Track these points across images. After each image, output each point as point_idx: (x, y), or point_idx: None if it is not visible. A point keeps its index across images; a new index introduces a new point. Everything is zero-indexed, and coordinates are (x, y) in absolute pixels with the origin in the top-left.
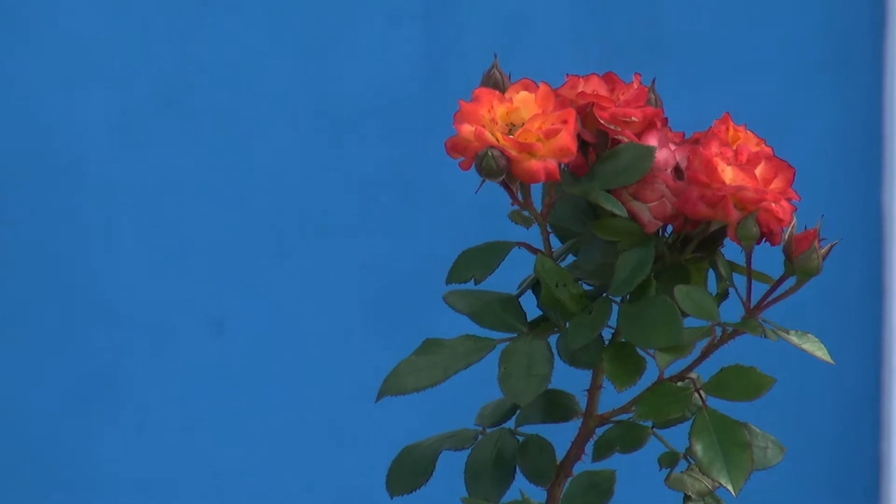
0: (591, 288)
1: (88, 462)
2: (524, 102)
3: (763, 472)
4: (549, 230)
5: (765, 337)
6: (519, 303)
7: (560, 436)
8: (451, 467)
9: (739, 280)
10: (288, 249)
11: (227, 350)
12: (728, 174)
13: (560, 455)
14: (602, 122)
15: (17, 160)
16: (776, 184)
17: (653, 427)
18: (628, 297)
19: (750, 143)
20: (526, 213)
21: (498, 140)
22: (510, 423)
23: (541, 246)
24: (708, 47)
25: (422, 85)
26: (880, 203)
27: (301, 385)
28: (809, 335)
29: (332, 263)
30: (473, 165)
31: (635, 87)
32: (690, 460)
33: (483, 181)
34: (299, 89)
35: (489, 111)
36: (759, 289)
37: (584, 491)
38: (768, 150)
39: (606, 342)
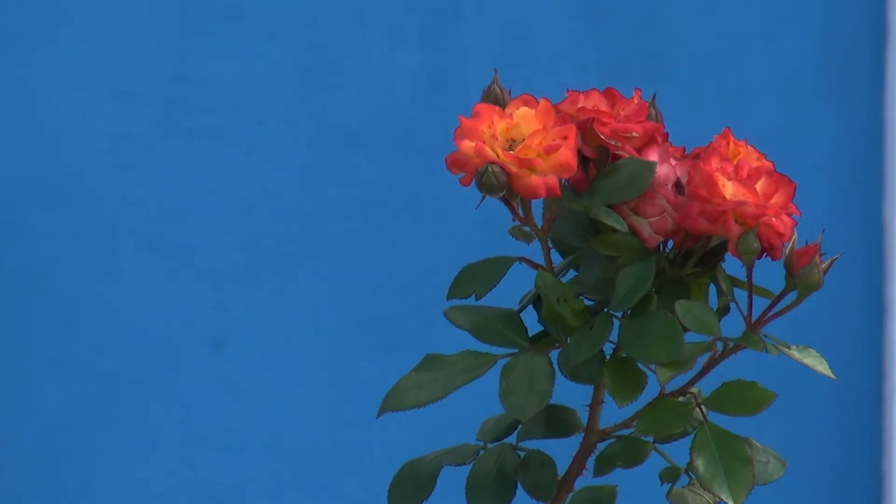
0: (592, 303)
1: (89, 479)
2: (524, 118)
3: (764, 487)
4: (550, 245)
5: (766, 352)
6: (520, 318)
7: (561, 451)
8: (452, 483)
9: (740, 295)
10: (289, 267)
11: (228, 367)
12: (729, 189)
13: (561, 470)
14: (602, 137)
15: (17, 178)
16: (777, 199)
17: (654, 442)
18: (629, 312)
19: (750, 158)
20: (527, 229)
21: (498, 156)
22: (511, 439)
23: (542, 261)
24: (708, 62)
25: (422, 101)
26: (881, 218)
27: (302, 401)
28: (811, 350)
29: (334, 280)
30: (474, 181)
31: (636, 102)
32: (692, 475)
33: (483, 197)
34: (300, 107)
35: (489, 127)
36: (760, 304)
37: None
38: (769, 164)
39: (607, 357)
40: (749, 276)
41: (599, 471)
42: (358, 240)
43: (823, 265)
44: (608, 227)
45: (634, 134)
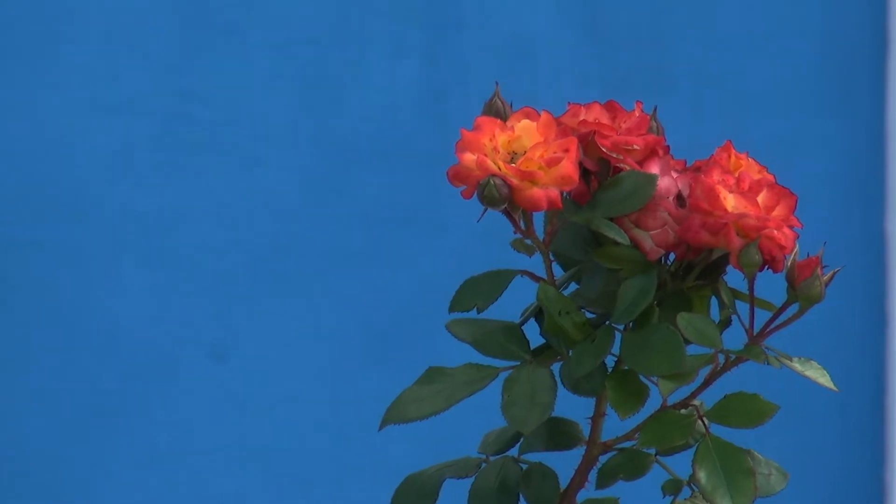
0: (593, 316)
1: (92, 491)
2: (526, 131)
3: (766, 499)
4: (552, 258)
5: (768, 364)
6: (522, 331)
7: (563, 463)
8: (454, 496)
9: (742, 307)
10: (291, 280)
11: (229, 379)
12: (730, 202)
13: (564, 483)
14: (604, 150)
15: (19, 191)
16: (778, 211)
17: (656, 454)
18: (631, 324)
19: (752, 170)
20: (528, 242)
21: (500, 168)
22: (513, 451)
23: (543, 274)
24: (709, 75)
25: (423, 114)
26: (883, 230)
27: (304, 414)
28: (812, 362)
29: (335, 293)
30: (475, 194)
31: (637, 114)
32: (694, 487)
33: (485, 210)
34: (301, 120)
35: (491, 140)
36: (761, 316)
37: None
38: (770, 177)
39: (609, 370)
40: (751, 288)
41: (602, 483)
42: (359, 253)
43: (825, 277)
44: (610, 240)
45: (636, 146)
